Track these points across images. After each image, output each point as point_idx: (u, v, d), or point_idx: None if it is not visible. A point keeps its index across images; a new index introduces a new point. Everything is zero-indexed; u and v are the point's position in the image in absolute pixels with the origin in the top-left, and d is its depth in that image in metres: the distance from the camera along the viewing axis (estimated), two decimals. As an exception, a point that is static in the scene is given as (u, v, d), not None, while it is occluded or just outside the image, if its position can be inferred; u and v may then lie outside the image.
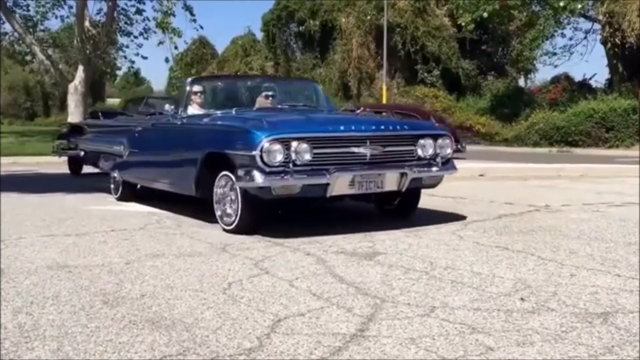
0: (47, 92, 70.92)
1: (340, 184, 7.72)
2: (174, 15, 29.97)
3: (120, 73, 56.99)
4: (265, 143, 7.38)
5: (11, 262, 6.42)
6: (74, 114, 28.51)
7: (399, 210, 9.15)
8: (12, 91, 71.49)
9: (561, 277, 5.59)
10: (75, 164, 17.60)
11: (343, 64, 47.45)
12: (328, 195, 7.71)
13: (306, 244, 7.17)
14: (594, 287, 5.28)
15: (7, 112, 69.03)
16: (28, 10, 34.98)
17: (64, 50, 41.30)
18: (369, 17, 45.52)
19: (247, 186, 7.67)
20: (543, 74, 74.50)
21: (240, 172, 7.67)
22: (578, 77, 39.73)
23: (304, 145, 7.55)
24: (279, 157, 7.43)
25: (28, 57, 37.57)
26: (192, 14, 31.21)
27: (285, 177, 7.47)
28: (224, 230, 8.10)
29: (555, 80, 39.70)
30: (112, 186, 11.90)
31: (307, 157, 7.55)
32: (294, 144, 7.51)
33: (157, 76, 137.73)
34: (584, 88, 37.28)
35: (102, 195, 12.22)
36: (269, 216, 8.38)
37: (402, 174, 8.07)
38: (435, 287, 5.33)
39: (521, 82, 48.56)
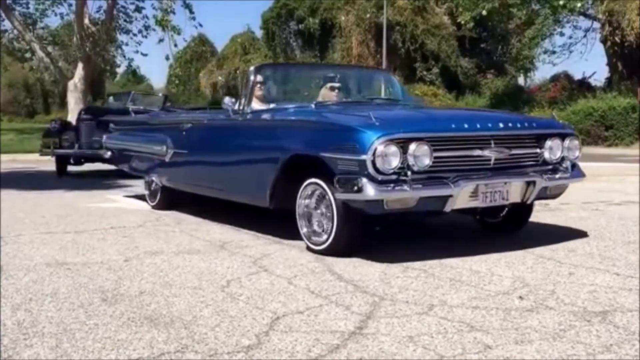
0: (47, 90, 70.91)
1: (462, 196, 6.32)
2: (173, 13, 29.97)
3: (119, 71, 56.90)
4: (379, 145, 5.93)
5: (10, 259, 6.43)
6: (74, 112, 28.50)
7: (506, 224, 7.74)
8: (12, 88, 71.45)
9: (560, 276, 5.60)
10: (62, 162, 17.00)
11: (342, 62, 47.40)
12: (448, 209, 6.36)
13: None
14: (592, 286, 5.28)
15: (7, 109, 68.96)
16: (28, 8, 34.98)
17: (64, 47, 41.15)
18: (368, 15, 45.48)
19: (351, 198, 6.23)
20: (542, 72, 74.52)
21: (342, 181, 6.23)
22: (577, 76, 39.68)
23: (424, 148, 6.11)
24: (394, 163, 6.00)
25: (27, 55, 37.57)
26: (191, 11, 31.17)
27: (402, 187, 6.04)
28: (311, 250, 6.74)
29: (555, 78, 39.67)
30: (146, 192, 10.43)
31: (427, 162, 6.11)
32: (412, 146, 6.06)
33: (156, 74, 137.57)
34: (583, 86, 37.22)
35: (101, 192, 12.23)
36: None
37: (529, 183, 6.72)
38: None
39: (521, 80, 48.51)
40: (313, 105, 7.89)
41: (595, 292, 5.09)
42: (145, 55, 45.73)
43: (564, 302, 4.82)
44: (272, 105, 8.21)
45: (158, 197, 10.07)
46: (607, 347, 3.89)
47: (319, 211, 6.77)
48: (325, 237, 6.61)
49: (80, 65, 30.52)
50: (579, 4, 32.75)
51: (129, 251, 6.85)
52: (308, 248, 6.79)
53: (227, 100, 8.18)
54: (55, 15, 41.82)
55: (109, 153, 11.78)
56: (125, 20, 35.44)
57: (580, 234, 7.58)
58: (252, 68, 8.62)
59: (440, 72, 44.18)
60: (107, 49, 36.65)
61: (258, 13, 67.17)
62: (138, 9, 33.85)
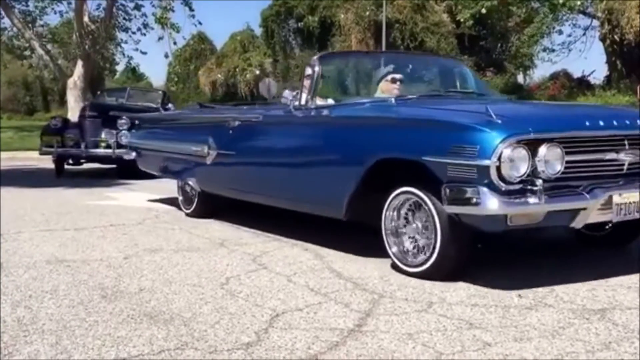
0: (47, 88, 70.78)
1: (595, 208, 5.24)
2: (172, 11, 29.95)
3: (119, 69, 56.93)
4: (505, 148, 4.93)
5: (10, 256, 6.43)
6: (74, 109, 28.47)
7: (613, 238, 6.42)
8: (12, 86, 71.36)
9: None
10: (61, 162, 16.15)
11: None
12: (578, 225, 5.38)
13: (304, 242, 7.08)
14: (591, 284, 5.28)
15: (7, 107, 68.85)
16: (27, 5, 34.94)
17: (63, 45, 41.14)
18: (367, 13, 45.46)
19: (465, 212, 5.18)
20: (542, 70, 74.24)
21: (453, 191, 5.17)
22: (577, 74, 39.68)
23: (557, 151, 5.13)
24: (523, 169, 5.02)
25: (27, 52, 37.55)
26: (191, 9, 31.15)
27: (530, 199, 5.01)
28: (405, 272, 5.67)
29: (554, 76, 39.66)
30: (180, 198, 9.36)
31: (558, 167, 5.15)
32: (543, 148, 5.07)
33: (156, 71, 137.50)
34: (582, 84, 37.19)
35: (100, 190, 12.23)
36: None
37: None
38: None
39: (520, 78, 48.51)
40: (393, 100, 6.88)
41: (594, 290, 5.08)
42: (145, 53, 45.92)
43: (563, 299, 4.83)
44: (330, 101, 7.19)
45: (195, 204, 8.95)
46: (606, 344, 3.90)
47: (413, 226, 5.72)
48: (423, 257, 5.55)
49: (79, 63, 30.49)
50: (578, 2, 32.72)
51: (129, 248, 6.86)
52: (396, 267, 5.79)
53: (287, 93, 7.16)
54: (55, 13, 41.78)
55: (133, 154, 10.51)
56: (124, 18, 35.44)
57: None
58: (315, 58, 7.38)
59: (439, 70, 44.14)
60: (107, 46, 36.64)
61: (257, 11, 67.07)
62: (137, 7, 33.84)
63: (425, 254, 5.52)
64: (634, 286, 5.16)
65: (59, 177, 15.66)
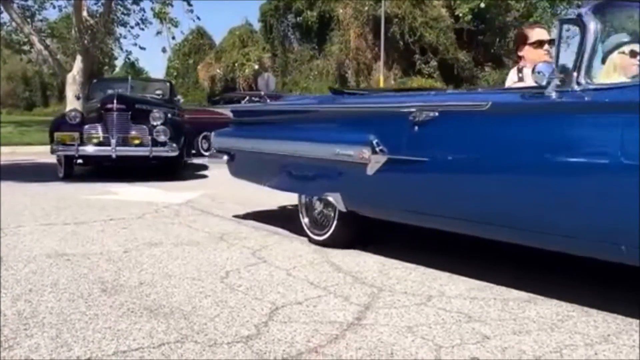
0: (46, 83, 70.83)
1: None
2: (171, 6, 29.93)
3: (118, 63, 56.90)
4: None
5: (10, 250, 6.43)
6: (73, 104, 28.44)
7: None
8: (11, 81, 71.40)
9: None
10: (71, 162, 13.91)
11: (341, 55, 47.42)
12: None
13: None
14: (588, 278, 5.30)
15: (6, 102, 68.89)
16: (26, 0, 34.95)
17: (62, 40, 41.10)
18: (366, 8, 45.52)
19: None
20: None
21: None
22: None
23: None
24: None
25: (26, 47, 37.52)
26: (189, 4, 31.11)
27: None
28: None
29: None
30: (304, 220, 7.04)
31: None
32: None
33: (155, 66, 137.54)
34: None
35: (100, 184, 12.23)
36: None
37: None
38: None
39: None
40: None
41: (592, 286, 5.10)
42: (144, 48, 45.92)
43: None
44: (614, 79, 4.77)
45: (331, 228, 6.60)
46: (604, 337, 3.92)
47: None
48: None
49: (78, 58, 30.45)
50: (576, -3, 32.74)
51: (129, 242, 6.86)
52: None
53: (542, 67, 4.68)
54: (54, 7, 42.04)
55: (225, 157, 8.31)
56: (123, 13, 35.40)
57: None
58: (585, 9, 4.71)
59: (438, 65, 44.22)
60: (106, 41, 36.60)
61: (256, 6, 67.09)
62: (136, 2, 33.81)
63: None
64: (631, 279, 5.17)
65: (67, 178, 13.59)
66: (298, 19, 49.98)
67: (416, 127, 5.51)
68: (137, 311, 4.46)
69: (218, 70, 53.47)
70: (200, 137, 18.95)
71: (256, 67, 49.86)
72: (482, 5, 33.06)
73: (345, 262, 5.88)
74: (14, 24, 34.13)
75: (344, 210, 6.33)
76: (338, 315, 4.38)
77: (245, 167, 8.23)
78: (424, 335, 3.95)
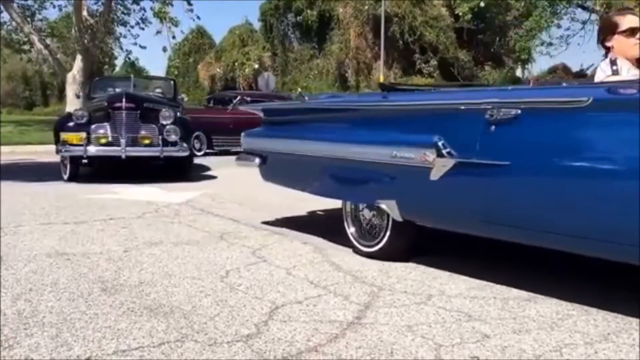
0: (46, 82, 70.83)
1: None
2: (171, 5, 29.94)
3: (118, 63, 56.92)
4: None
5: (10, 249, 6.43)
6: (73, 104, 28.46)
7: None
8: (11, 80, 71.40)
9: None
10: (77, 163, 13.21)
11: (341, 55, 47.47)
12: None
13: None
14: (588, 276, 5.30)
15: (6, 101, 68.87)
16: (26, 0, 34.98)
17: (62, 39, 41.12)
18: (366, 7, 45.55)
19: None
20: (540, 64, 74.50)
21: None
22: (575, 68, 39.70)
23: None
24: None
25: (26, 47, 37.53)
26: (189, 3, 31.12)
27: None
28: None
29: (553, 70, 39.69)
30: (350, 229, 6.43)
31: None
32: None
33: (155, 65, 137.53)
34: (581, 78, 37.23)
35: (100, 184, 12.22)
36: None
37: None
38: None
39: (518, 72, 48.56)
40: None
41: (591, 282, 5.10)
42: (144, 47, 45.87)
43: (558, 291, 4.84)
44: None
45: (384, 238, 5.99)
46: (604, 336, 3.92)
47: None
48: None
49: (78, 58, 30.46)
50: (576, -4, 32.79)
51: (129, 242, 6.86)
52: None
53: None
54: (54, 7, 42.06)
55: (257, 159, 7.69)
56: (123, 13, 35.41)
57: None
58: None
59: (438, 64, 44.26)
60: (106, 41, 36.61)
61: (256, 5, 67.16)
62: (136, 1, 33.82)
63: None
64: (631, 277, 5.18)
65: (71, 181, 12.99)
66: (298, 18, 50.02)
67: (493, 127, 4.85)
68: (137, 310, 4.46)
69: (218, 70, 53.49)
70: (193, 137, 18.89)
71: (256, 66, 49.89)
72: (482, 4, 33.08)
73: (345, 262, 5.88)
74: (14, 23, 34.15)
75: (399, 219, 5.73)
76: (338, 314, 4.38)
77: (280, 171, 7.59)
78: (424, 334, 3.95)
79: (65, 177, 13.16)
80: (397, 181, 5.67)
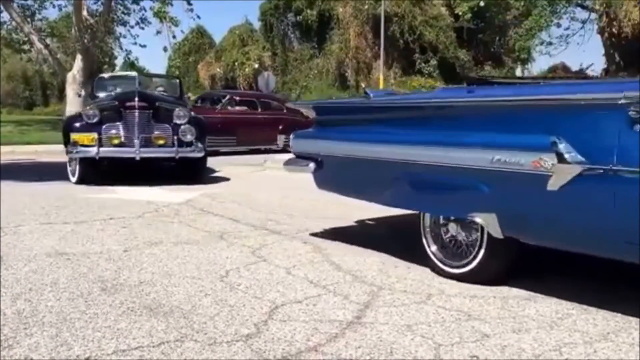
0: (46, 82, 70.82)
1: None
2: (171, 5, 29.94)
3: (118, 63, 56.94)
4: None
5: (10, 249, 6.43)
6: (73, 104, 28.46)
7: None
8: (11, 80, 71.38)
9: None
10: (89, 166, 12.42)
11: (340, 54, 47.41)
12: None
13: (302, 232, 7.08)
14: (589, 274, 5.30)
15: (6, 101, 68.84)
16: (26, 0, 34.97)
17: (62, 39, 41.13)
18: (366, 7, 45.51)
19: None
20: (540, 63, 74.51)
21: None
22: (575, 67, 39.70)
23: None
24: None
25: (26, 47, 37.54)
26: (189, 3, 31.11)
27: None
28: None
29: (553, 70, 39.71)
30: (431, 247, 5.58)
31: None
32: None
33: (155, 65, 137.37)
34: (580, 78, 37.20)
35: (105, 186, 12.21)
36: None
37: None
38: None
39: (518, 71, 48.53)
40: None
41: (591, 282, 5.10)
42: (144, 46, 46.05)
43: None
44: None
45: (477, 258, 5.10)
46: (604, 335, 3.92)
47: None
48: None
49: (78, 57, 30.44)
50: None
51: (128, 241, 6.86)
52: None
53: None
54: (54, 7, 42.03)
55: (312, 164, 6.85)
56: (122, 12, 35.41)
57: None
58: None
59: (438, 64, 44.26)
60: (106, 41, 36.63)
61: (256, 5, 67.10)
62: (136, 1, 33.82)
63: None
64: (631, 277, 5.18)
65: (81, 183, 12.32)
66: (298, 17, 49.97)
67: (638, 127, 3.97)
68: (137, 310, 4.46)
69: (218, 70, 53.43)
70: None
71: (256, 66, 49.83)
72: (482, 3, 33.10)
73: (345, 261, 5.88)
74: (14, 23, 34.14)
75: (499, 236, 4.81)
76: (338, 314, 4.38)
77: (339, 178, 6.71)
78: (424, 334, 3.95)
79: (74, 179, 12.54)
80: (498, 191, 4.75)
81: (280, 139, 21.67)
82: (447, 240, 5.43)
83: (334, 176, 6.72)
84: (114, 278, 5.34)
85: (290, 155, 7.46)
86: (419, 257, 5.66)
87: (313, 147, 6.93)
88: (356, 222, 7.92)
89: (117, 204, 9.53)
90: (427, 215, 5.60)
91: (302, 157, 7.05)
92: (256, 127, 21.57)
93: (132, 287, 5.06)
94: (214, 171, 14.41)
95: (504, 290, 4.90)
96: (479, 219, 4.89)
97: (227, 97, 22.64)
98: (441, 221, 5.50)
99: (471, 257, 5.14)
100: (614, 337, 3.89)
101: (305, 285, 5.11)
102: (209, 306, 4.55)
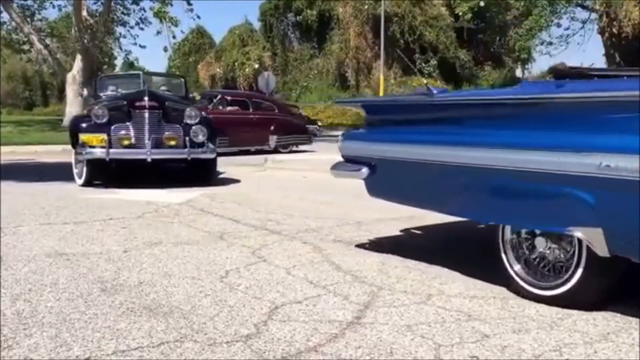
0: (46, 82, 70.94)
1: None
2: (171, 5, 30.00)
3: (118, 63, 56.97)
4: None
5: (10, 249, 6.43)
6: (73, 104, 28.50)
7: None
8: (11, 80, 71.52)
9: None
10: (98, 168, 12.10)
11: (340, 54, 47.51)
12: None
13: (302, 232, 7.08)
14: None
15: (6, 101, 68.95)
16: (26, 0, 35.02)
17: (62, 39, 41.24)
18: (366, 7, 45.58)
19: None
20: (540, 63, 74.51)
21: None
22: (575, 67, 39.68)
23: None
24: None
25: (26, 47, 37.60)
26: (189, 3, 31.17)
27: None
28: None
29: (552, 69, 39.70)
30: (515, 266, 4.85)
31: None
32: None
33: (155, 65, 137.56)
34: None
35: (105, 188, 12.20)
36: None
37: None
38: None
39: (518, 71, 48.59)
40: None
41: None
42: (144, 47, 46.12)
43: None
44: None
45: (572, 280, 4.41)
46: (604, 335, 3.92)
47: None
48: None
49: (78, 58, 30.53)
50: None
51: (128, 242, 6.85)
52: None
53: None
54: (54, 7, 42.16)
55: (364, 169, 6.15)
56: (122, 13, 35.47)
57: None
58: None
59: (438, 64, 44.30)
60: (105, 41, 36.67)
61: (256, 5, 67.21)
62: (135, 1, 33.87)
63: None
64: (630, 277, 5.17)
65: (88, 185, 12.04)
66: (298, 18, 50.09)
67: None
68: (137, 310, 4.45)
69: (218, 70, 53.52)
70: None
71: (256, 66, 49.92)
72: (482, 3, 33.10)
73: (345, 261, 5.87)
74: (13, 23, 34.19)
75: (605, 255, 4.07)
76: (337, 314, 4.37)
77: (397, 184, 6.08)
78: (424, 334, 3.95)
79: (80, 181, 12.19)
80: (606, 202, 3.97)
81: (272, 140, 21.62)
82: (531, 256, 4.76)
83: (389, 182, 6.07)
84: (114, 278, 5.33)
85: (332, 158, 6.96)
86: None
87: (365, 150, 6.30)
88: (356, 222, 7.91)
89: (117, 204, 9.53)
90: (508, 229, 4.92)
91: (353, 161, 6.39)
92: (248, 127, 21.39)
93: (132, 288, 5.05)
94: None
95: (504, 290, 4.89)
96: (579, 233, 4.18)
97: (219, 96, 22.45)
98: (523, 235, 4.82)
99: (565, 277, 4.46)
100: (614, 337, 3.88)
101: (305, 286, 5.10)
102: (209, 306, 4.55)
